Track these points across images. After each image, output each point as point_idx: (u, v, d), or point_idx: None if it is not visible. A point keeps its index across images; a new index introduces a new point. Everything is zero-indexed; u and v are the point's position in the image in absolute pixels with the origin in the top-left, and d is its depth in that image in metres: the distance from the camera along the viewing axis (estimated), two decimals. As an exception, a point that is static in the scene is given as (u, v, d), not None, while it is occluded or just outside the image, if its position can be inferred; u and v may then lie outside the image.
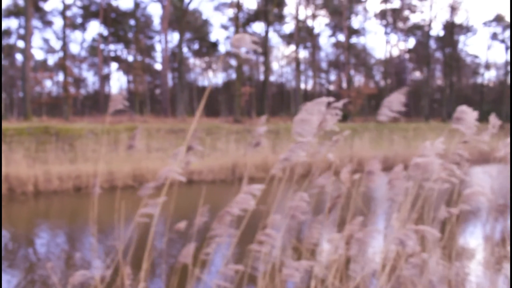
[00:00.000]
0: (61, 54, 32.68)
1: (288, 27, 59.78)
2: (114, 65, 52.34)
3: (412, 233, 1.57)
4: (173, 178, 2.06)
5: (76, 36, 65.08)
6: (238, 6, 33.19)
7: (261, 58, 47.93)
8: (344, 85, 46.46)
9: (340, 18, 47.32)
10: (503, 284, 4.06)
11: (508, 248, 6.37)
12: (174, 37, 50.18)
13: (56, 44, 50.68)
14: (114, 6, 43.20)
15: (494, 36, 52.24)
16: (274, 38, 61.76)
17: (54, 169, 15.40)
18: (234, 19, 33.57)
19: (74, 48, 73.66)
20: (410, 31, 52.22)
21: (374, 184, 1.96)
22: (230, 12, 48.18)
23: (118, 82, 64.75)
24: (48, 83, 48.52)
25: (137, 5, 38.95)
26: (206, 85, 59.35)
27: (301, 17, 46.50)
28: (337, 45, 53.32)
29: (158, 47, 49.53)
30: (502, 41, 51.89)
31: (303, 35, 47.94)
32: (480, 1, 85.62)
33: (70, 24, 42.37)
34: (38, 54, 73.67)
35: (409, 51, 55.51)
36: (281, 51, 59.65)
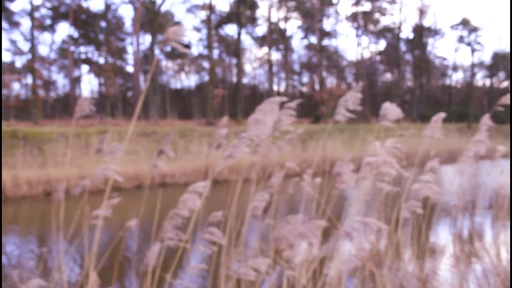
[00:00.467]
0: (29, 56, 31.92)
1: (261, 29, 60.16)
2: (85, 68, 51.57)
3: (359, 225, 1.59)
4: (109, 177, 2.03)
5: (45, 37, 63.79)
6: (211, 8, 33.11)
7: (234, 60, 47.96)
8: (317, 86, 46.89)
9: (312, 21, 47.74)
10: (473, 279, 4.17)
11: (476, 244, 6.53)
12: (146, 39, 49.74)
13: (24, 46, 49.61)
14: (85, 8, 42.47)
15: (461, 39, 53.61)
16: (246, 40, 61.90)
17: (23, 174, 15.03)
18: (207, 21, 33.47)
19: (43, 50, 72.02)
20: (381, 34, 53.14)
21: (344, 185, 1.98)
22: (203, 14, 48.06)
23: (89, 84, 63.89)
24: (16, 86, 47.34)
25: (108, 6, 38.44)
26: (179, 87, 59.01)
27: (274, 19, 46.79)
28: (309, 47, 53.78)
29: (130, 49, 49.02)
30: (468, 44, 53.29)
31: (276, 37, 48.18)
32: (447, 5, 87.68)
33: (39, 25, 41.45)
34: (5, 55, 71.82)
35: (380, 53, 56.45)
36: (253, 53, 59.85)
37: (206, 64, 48.82)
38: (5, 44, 57.29)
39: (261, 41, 51.72)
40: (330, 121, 37.61)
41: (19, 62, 52.54)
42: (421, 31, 46.46)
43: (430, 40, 52.60)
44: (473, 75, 54.13)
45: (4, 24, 43.75)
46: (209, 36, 33.15)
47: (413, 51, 47.80)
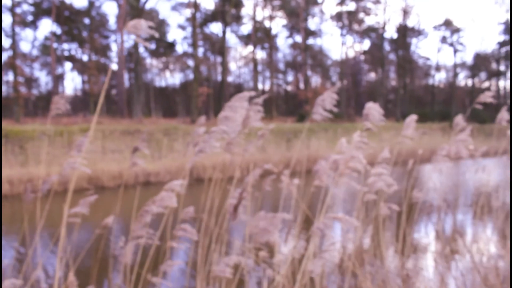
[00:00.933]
0: (10, 52, 31.42)
1: (246, 28, 60.17)
2: (68, 65, 50.89)
3: (331, 221, 1.60)
4: (75, 169, 2.01)
5: (27, 34, 62.82)
6: (196, 6, 32.98)
7: (219, 59, 47.84)
8: (302, 85, 47.04)
9: (297, 20, 47.85)
10: (454, 276, 4.22)
11: (459, 242, 6.61)
12: (130, 37, 49.27)
13: (5, 42, 48.79)
14: (68, 4, 41.88)
15: (444, 40, 54.27)
16: (231, 39, 61.90)
17: (4, 172, 14.81)
18: (192, 19, 33.34)
19: (25, 47, 71.07)
20: (365, 33, 53.50)
21: (321, 184, 1.98)
22: (188, 12, 47.85)
23: (72, 82, 62.78)
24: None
25: (91, 3, 38.04)
26: (164, 85, 58.67)
27: (259, 18, 46.86)
28: (294, 46, 53.89)
29: (114, 47, 48.56)
30: (451, 44, 53.97)
31: (261, 36, 48.16)
32: (430, 6, 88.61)
33: (20, 21, 40.76)
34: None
35: (364, 52, 56.84)
36: (238, 52, 59.73)
37: (191, 62, 48.64)
38: (-14, 40, 56.35)
39: (246, 39, 51.67)
40: (315, 120, 37.66)
41: (0, 58, 51.55)
42: (405, 31, 46.91)
43: (414, 40, 53.21)
44: (455, 75, 54.88)
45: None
46: (194, 34, 33.01)
47: (397, 51, 48.24)
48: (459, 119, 3.12)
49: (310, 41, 51.37)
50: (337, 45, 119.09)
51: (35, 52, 48.81)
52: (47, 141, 17.37)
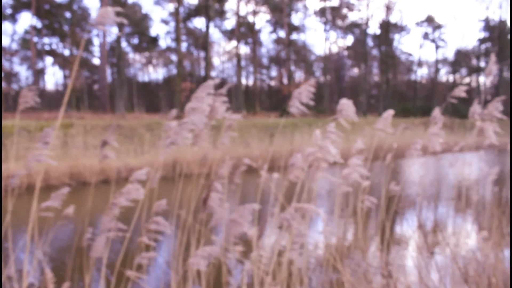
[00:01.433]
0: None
1: (229, 22, 59.93)
2: (49, 59, 50.14)
3: (296, 212, 1.61)
4: (40, 162, 1.98)
5: (5, 27, 61.66)
6: (179, 1, 32.73)
7: (202, 54, 47.60)
8: (285, 80, 47.11)
9: (280, 15, 47.82)
10: (434, 269, 4.27)
11: (438, 235, 6.70)
12: (112, 31, 48.70)
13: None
14: (48, -3, 41.24)
15: (426, 36, 54.83)
16: (215, 34, 61.63)
17: (-18, 168, 14.54)
18: (175, 14, 33.08)
19: (4, 40, 69.65)
20: (349, 29, 53.72)
21: (296, 178, 1.98)
22: (171, 6, 47.45)
23: (53, 77, 62.02)
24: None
25: (72, -3, 37.48)
26: (147, 80, 58.18)
27: (242, 13, 46.60)
28: (277, 41, 53.90)
29: (96, 41, 47.96)
30: (433, 40, 54.56)
31: (244, 31, 48.05)
32: (412, 2, 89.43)
33: (-1, 15, 39.99)
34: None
35: (348, 48, 57.11)
36: (222, 47, 59.44)
37: (174, 57, 48.34)
38: (-36, 34, 55.19)
39: (229, 34, 51.49)
40: (297, 115, 37.80)
41: (-21, 52, 50.56)
42: (387, 27, 47.21)
43: (396, 36, 53.61)
44: (437, 71, 55.54)
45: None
46: (177, 29, 32.78)
47: (380, 46, 48.55)
48: (436, 113, 3.15)
49: (294, 36, 51.45)
50: (321, 40, 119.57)
51: (14, 46, 47.97)
52: (27, 136, 17.09)
